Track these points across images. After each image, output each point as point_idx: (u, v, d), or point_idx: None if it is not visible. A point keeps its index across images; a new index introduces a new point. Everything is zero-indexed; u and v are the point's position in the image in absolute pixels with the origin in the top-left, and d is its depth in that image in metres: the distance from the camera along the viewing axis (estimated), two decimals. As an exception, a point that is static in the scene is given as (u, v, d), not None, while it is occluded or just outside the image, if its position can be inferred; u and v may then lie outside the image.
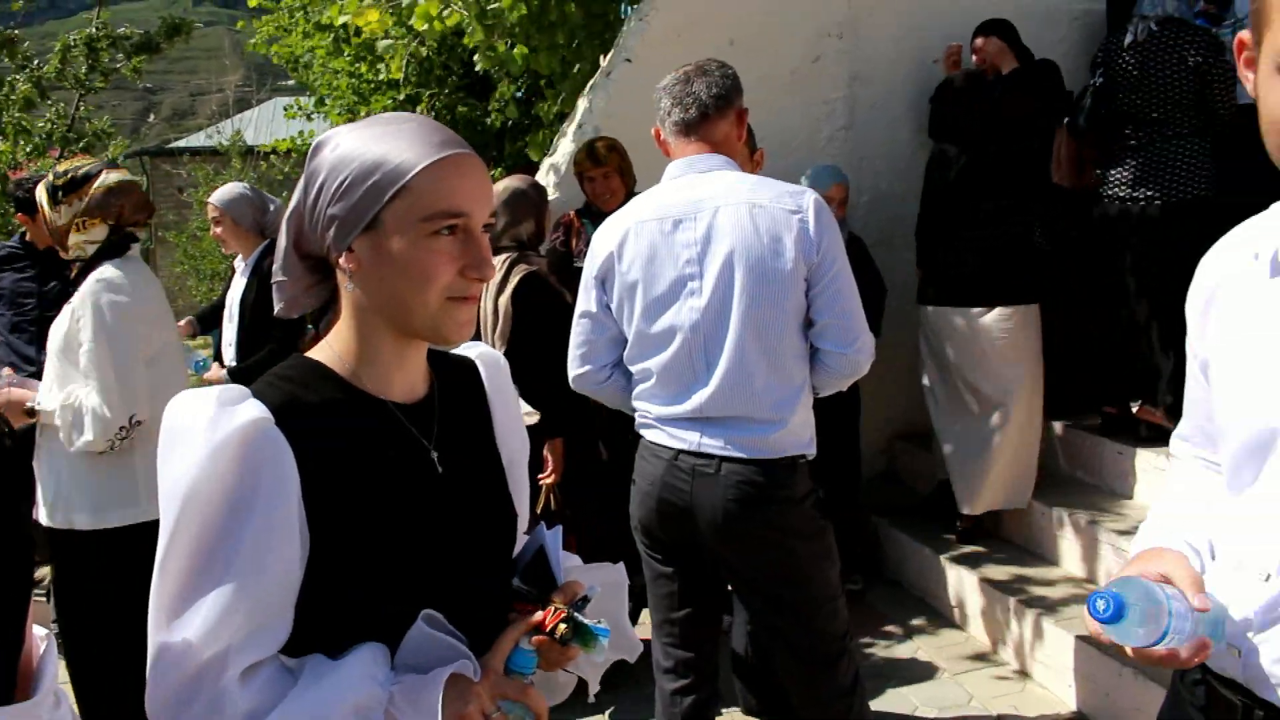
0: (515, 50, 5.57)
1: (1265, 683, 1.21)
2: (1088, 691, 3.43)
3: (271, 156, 14.18)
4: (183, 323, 4.93)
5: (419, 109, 8.49)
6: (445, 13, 4.80)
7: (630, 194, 3.85)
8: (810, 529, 2.48)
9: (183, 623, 1.10)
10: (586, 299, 2.59)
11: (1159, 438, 3.98)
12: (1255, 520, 1.24)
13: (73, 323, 2.81)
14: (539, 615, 1.26)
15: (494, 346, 3.60)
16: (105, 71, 9.15)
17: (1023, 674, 3.75)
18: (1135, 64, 4.08)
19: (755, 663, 3.36)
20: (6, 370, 3.21)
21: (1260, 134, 1.15)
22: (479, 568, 1.32)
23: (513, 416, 1.46)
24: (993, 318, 4.18)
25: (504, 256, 3.54)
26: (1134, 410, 4.24)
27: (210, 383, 4.04)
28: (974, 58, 4.61)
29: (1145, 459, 4.09)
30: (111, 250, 2.89)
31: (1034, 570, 4.08)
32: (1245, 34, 1.16)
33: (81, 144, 9.15)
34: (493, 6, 4.95)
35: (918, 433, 5.05)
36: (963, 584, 4.13)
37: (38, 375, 3.05)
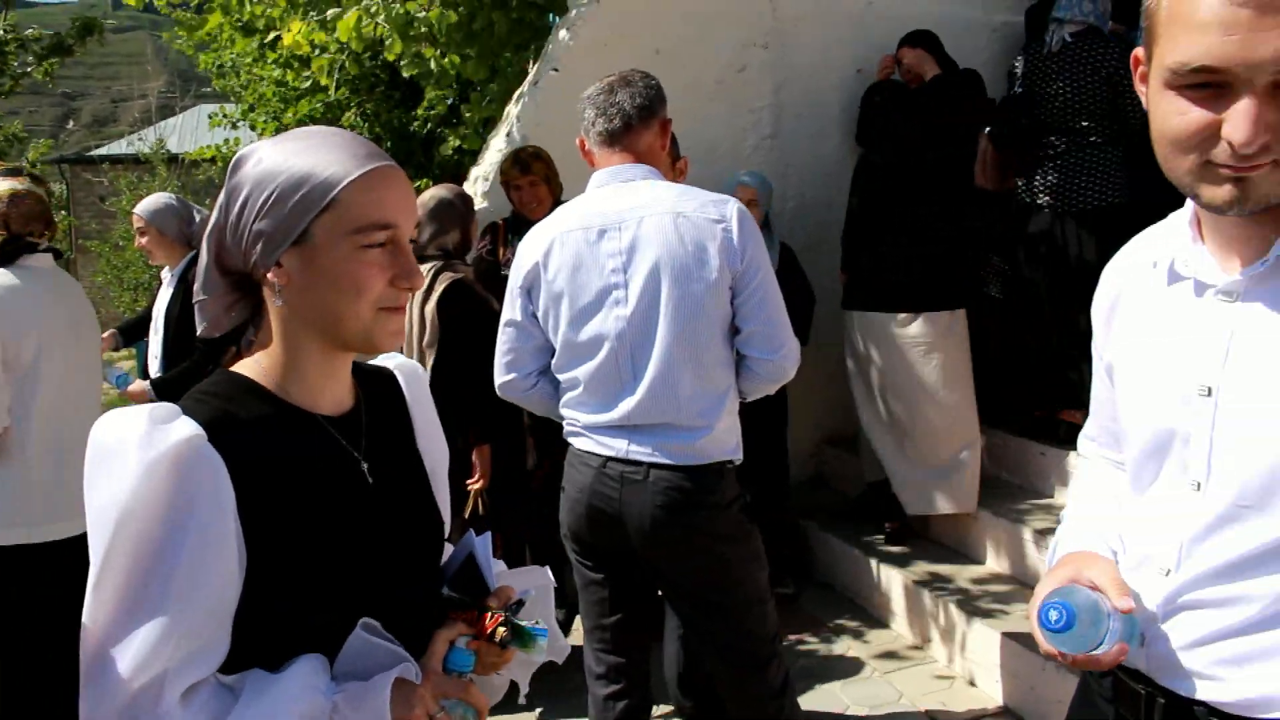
0: (445, 59, 5.55)
1: (1166, 672, 1.26)
2: (1013, 686, 3.51)
3: (199, 165, 13.94)
4: (105, 335, 4.83)
5: (347, 114, 8.42)
6: (365, 23, 4.77)
7: (557, 202, 3.86)
8: (738, 533, 2.51)
9: (119, 647, 1.08)
10: (512, 308, 2.59)
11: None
12: (1156, 519, 1.28)
13: None
14: (480, 620, 1.28)
15: (421, 355, 3.60)
16: (15, 75, 8.89)
17: (951, 671, 3.82)
18: (1053, 74, 4.18)
19: (687, 666, 3.38)
20: None
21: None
22: (409, 576, 1.32)
23: (432, 425, 1.48)
24: (919, 323, 4.24)
25: (429, 265, 3.55)
26: (1058, 414, 4.33)
27: (132, 397, 3.98)
28: (899, 68, 4.69)
29: (1066, 459, 4.19)
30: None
31: (961, 569, 4.16)
32: (1140, 50, 1.21)
33: (-8, 149, 8.94)
34: (420, 15, 4.93)
35: (845, 437, 5.11)
36: (892, 584, 4.20)
37: None
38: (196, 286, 1.29)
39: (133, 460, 1.09)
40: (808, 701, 3.56)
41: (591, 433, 2.50)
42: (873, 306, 4.36)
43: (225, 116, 10.20)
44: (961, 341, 4.32)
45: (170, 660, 1.08)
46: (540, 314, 2.54)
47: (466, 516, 3.62)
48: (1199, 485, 1.22)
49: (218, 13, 6.56)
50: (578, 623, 3.38)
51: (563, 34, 4.83)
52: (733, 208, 2.41)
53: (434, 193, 3.76)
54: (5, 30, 8.80)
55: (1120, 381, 1.38)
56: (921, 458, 4.28)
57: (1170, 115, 1.13)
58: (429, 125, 8.00)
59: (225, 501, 1.13)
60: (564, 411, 2.58)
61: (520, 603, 1.34)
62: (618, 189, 2.46)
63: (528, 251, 2.56)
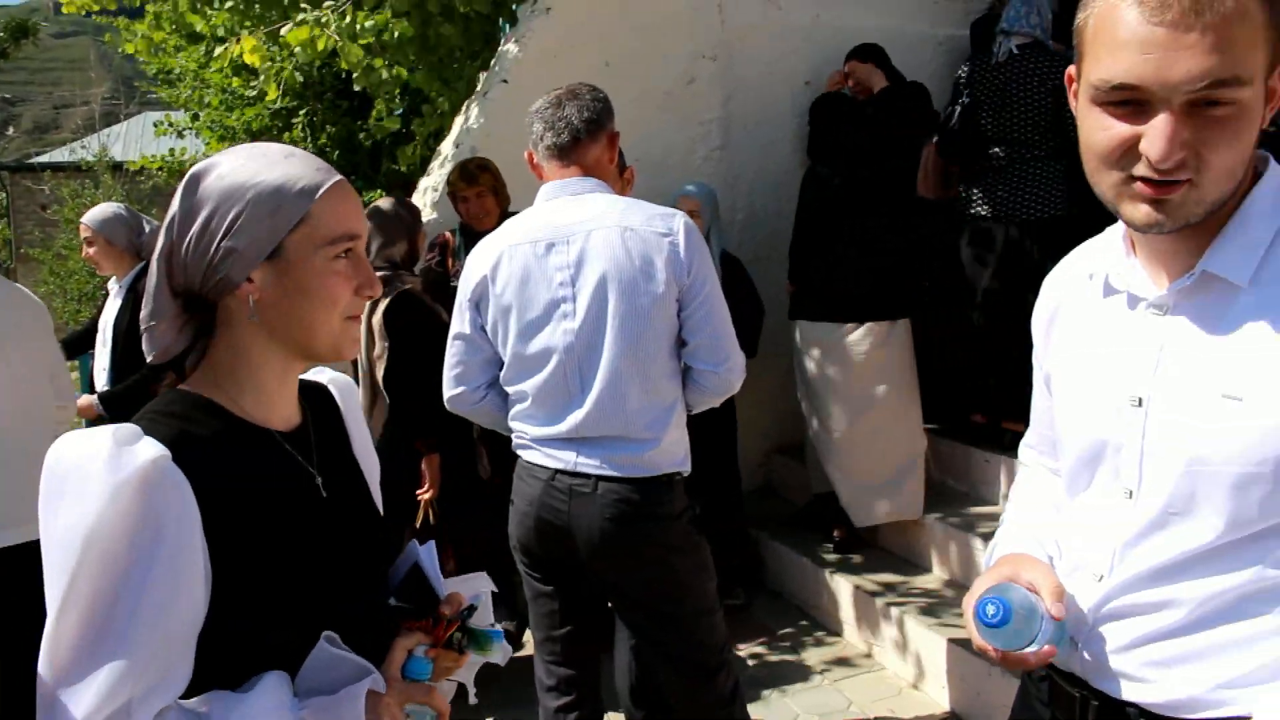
0: (395, 70, 5.53)
1: (1100, 674, 1.29)
2: (960, 692, 3.55)
3: (143, 173, 13.73)
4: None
5: (295, 123, 8.35)
6: (316, 35, 4.74)
7: (505, 214, 3.86)
8: (687, 544, 2.53)
9: (83, 677, 1.06)
10: (461, 321, 2.59)
11: (1021, 445, 4.13)
12: (1089, 526, 1.32)
13: None
14: (435, 628, 1.31)
15: (371, 366, 3.58)
16: None
17: (899, 678, 3.86)
18: (998, 86, 4.25)
19: (639, 676, 3.38)
20: None
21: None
22: (362, 588, 1.33)
23: (366, 438, 1.49)
24: (862, 332, 4.27)
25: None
26: (1002, 423, 4.40)
27: (79, 412, 3.91)
28: (847, 81, 4.75)
29: (1010, 466, 4.25)
30: None
31: (908, 577, 4.20)
32: (1073, 68, 1.25)
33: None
34: (369, 24, 4.90)
35: (794, 446, 5.14)
36: (840, 592, 4.23)
37: None
38: (144, 313, 1.26)
39: (98, 483, 1.06)
40: (757, 710, 3.59)
41: (540, 445, 2.51)
42: (820, 316, 4.39)
43: (171, 125, 10.08)
44: (905, 350, 4.37)
45: (135, 690, 1.06)
46: (489, 327, 2.55)
47: (417, 526, 3.62)
48: (1130, 493, 1.25)
49: (165, 26, 6.47)
50: (529, 634, 3.38)
51: (512, 45, 4.83)
52: (679, 221, 2.43)
53: (380, 204, 3.76)
54: None
55: (1057, 391, 1.41)
56: (866, 468, 4.30)
57: (1095, 130, 1.17)
58: (378, 136, 7.97)
59: (192, 522, 1.11)
60: (512, 424, 2.58)
61: (473, 608, 1.37)
62: (566, 202, 2.47)
63: (476, 264, 2.56)
